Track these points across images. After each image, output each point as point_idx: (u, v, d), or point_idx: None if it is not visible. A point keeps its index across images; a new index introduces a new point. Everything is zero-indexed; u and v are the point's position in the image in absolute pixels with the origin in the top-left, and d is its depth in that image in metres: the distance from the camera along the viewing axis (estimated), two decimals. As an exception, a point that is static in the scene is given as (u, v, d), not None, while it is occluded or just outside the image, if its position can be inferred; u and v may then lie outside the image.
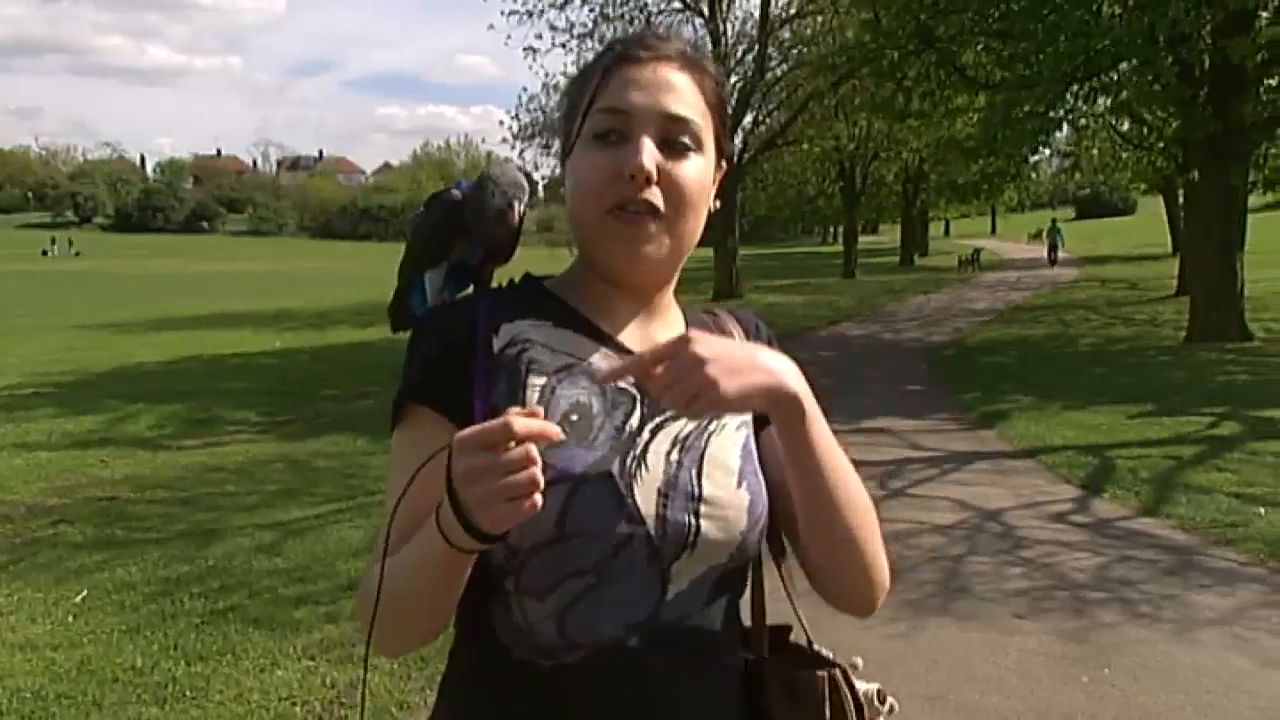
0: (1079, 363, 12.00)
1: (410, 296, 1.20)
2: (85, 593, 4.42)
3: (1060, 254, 32.98)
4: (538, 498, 0.79)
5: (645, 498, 0.94)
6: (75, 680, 3.55)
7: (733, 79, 23.86)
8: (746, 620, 1.10)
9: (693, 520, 0.95)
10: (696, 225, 1.01)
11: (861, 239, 37.40)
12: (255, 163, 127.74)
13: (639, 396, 0.99)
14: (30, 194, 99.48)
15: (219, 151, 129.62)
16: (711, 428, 1.01)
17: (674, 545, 0.94)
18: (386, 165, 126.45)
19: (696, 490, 0.96)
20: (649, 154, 0.95)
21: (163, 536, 5.27)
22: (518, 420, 0.78)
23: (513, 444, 0.77)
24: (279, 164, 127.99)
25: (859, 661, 1.11)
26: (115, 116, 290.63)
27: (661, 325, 1.06)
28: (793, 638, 1.13)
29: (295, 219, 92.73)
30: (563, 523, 0.91)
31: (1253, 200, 15.24)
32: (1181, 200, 20.05)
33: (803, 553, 1.04)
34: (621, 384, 0.98)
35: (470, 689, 1.01)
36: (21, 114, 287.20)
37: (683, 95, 0.99)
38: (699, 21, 23.64)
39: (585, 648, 0.94)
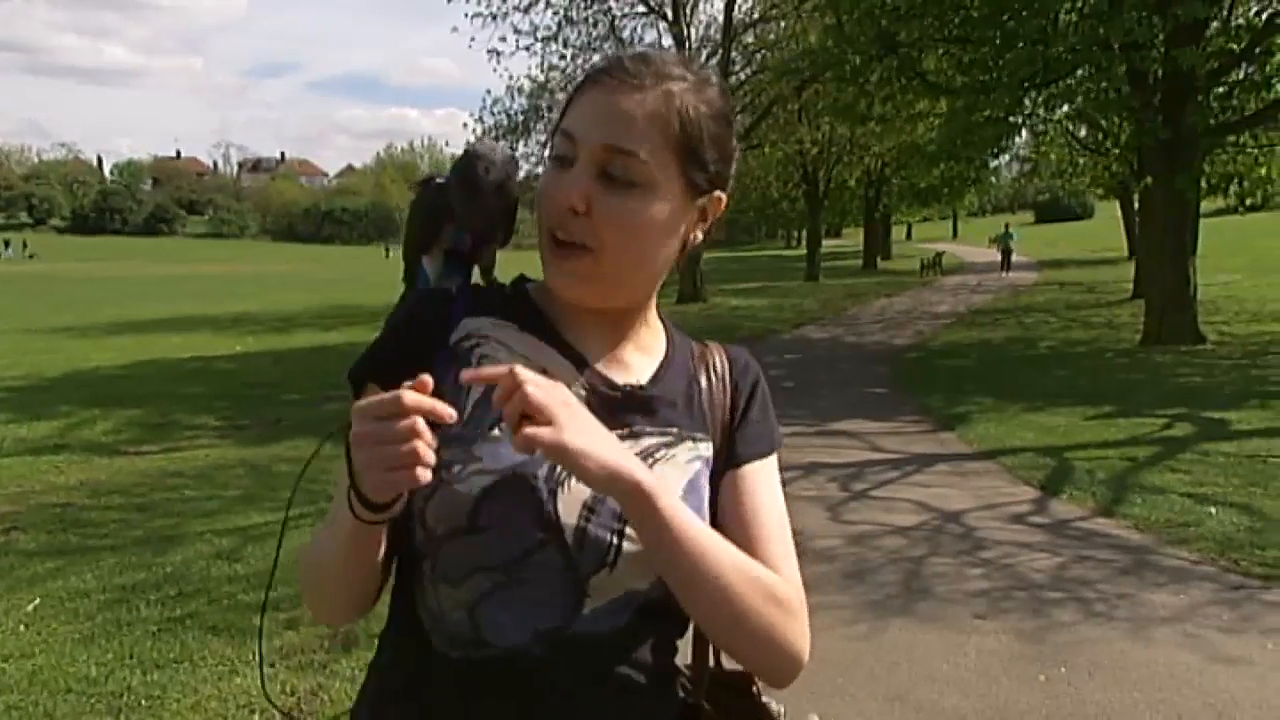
0: (1038, 365, 12.17)
1: (416, 283, 1.21)
2: (37, 601, 4.32)
3: (1014, 259, 32.13)
4: (421, 472, 0.80)
5: (568, 508, 0.93)
6: (26, 691, 3.47)
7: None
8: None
9: (615, 540, 0.93)
10: (641, 262, 0.98)
11: (825, 243, 37.65)
12: (216, 164, 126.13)
13: (589, 405, 0.96)
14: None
15: (178, 153, 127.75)
16: (659, 456, 0.98)
17: (591, 560, 0.93)
18: (350, 168, 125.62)
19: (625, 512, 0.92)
20: (576, 186, 0.93)
21: (119, 543, 5.17)
22: (408, 394, 0.79)
23: (403, 416, 0.79)
24: (240, 166, 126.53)
25: (815, 719, 1.12)
26: (71, 117, 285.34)
27: (633, 346, 1.04)
28: (756, 690, 1.11)
29: (257, 221, 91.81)
30: (475, 515, 0.92)
31: (1205, 205, 15.56)
32: (1137, 205, 20.39)
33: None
34: (578, 390, 0.97)
35: (393, 672, 1.02)
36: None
37: (633, 127, 0.93)
38: (663, 25, 23.71)
39: (493, 648, 0.94)
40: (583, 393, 0.98)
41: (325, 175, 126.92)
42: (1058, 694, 3.38)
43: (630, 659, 0.97)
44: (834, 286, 28.52)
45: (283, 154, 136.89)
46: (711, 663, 1.09)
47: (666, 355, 1.06)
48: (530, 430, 0.81)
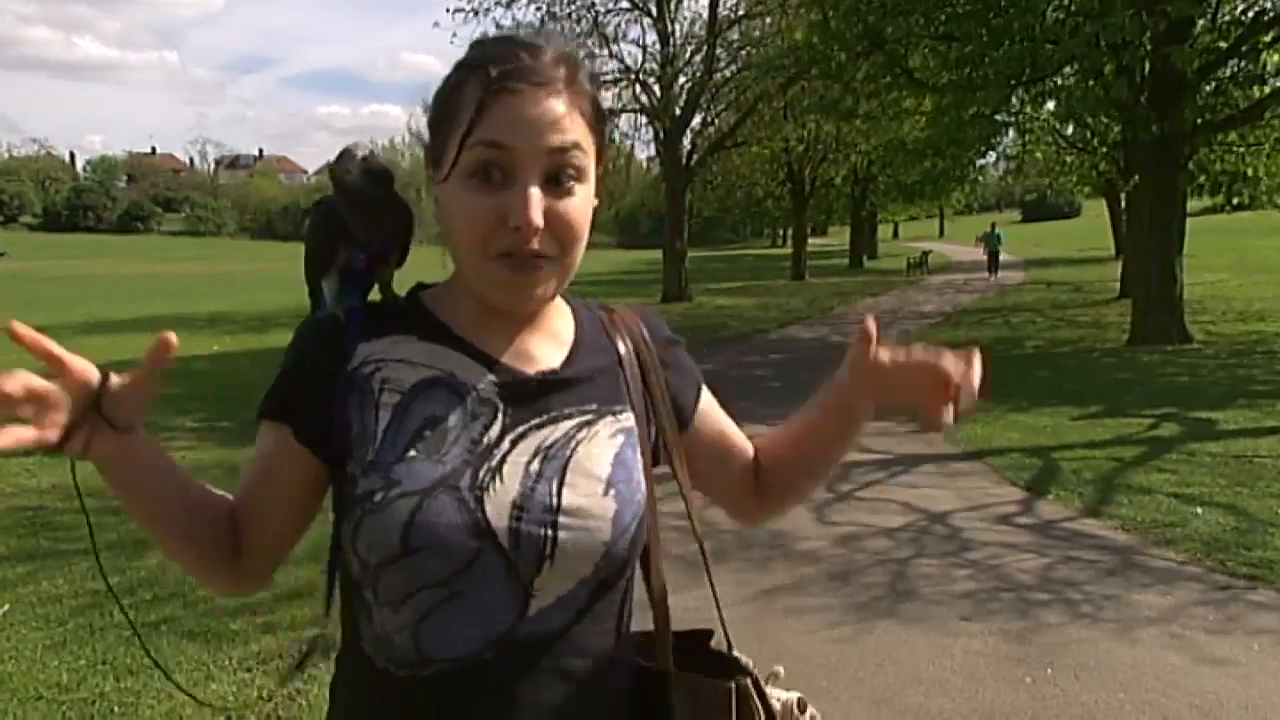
0: (1025, 365, 12.18)
1: (318, 306, 1.17)
2: (7, 607, 4.24)
3: (1001, 259, 29.84)
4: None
5: (497, 511, 0.93)
6: (-5, 698, 3.40)
7: (681, 80, 23.92)
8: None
9: (549, 532, 0.93)
10: (582, 250, 0.99)
11: (810, 241, 37.71)
12: (192, 161, 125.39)
13: (501, 406, 0.97)
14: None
15: (154, 149, 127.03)
16: (580, 435, 0.99)
17: (530, 559, 0.93)
18: (329, 164, 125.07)
19: (555, 501, 0.94)
20: (536, 206, 0.92)
21: (91, 548, 5.09)
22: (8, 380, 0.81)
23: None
24: (217, 163, 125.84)
25: (780, 670, 1.12)
26: (43, 112, 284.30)
27: (540, 334, 1.04)
28: (714, 643, 1.12)
29: (235, 219, 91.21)
30: (407, 537, 0.91)
31: (1192, 204, 15.62)
32: (1124, 204, 20.47)
33: (769, 481, 1.15)
34: (483, 393, 0.97)
35: (348, 695, 1.03)
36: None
37: (565, 126, 0.93)
38: (647, 21, 23.66)
39: (441, 662, 0.93)
40: (494, 390, 0.98)
41: (305, 173, 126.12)
42: (1044, 695, 3.35)
43: (585, 648, 0.98)
44: (820, 285, 28.53)
45: (261, 151, 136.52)
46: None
47: (576, 336, 1.06)
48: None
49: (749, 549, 4.94)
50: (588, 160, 0.96)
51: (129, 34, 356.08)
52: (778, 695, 1.09)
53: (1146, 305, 13.12)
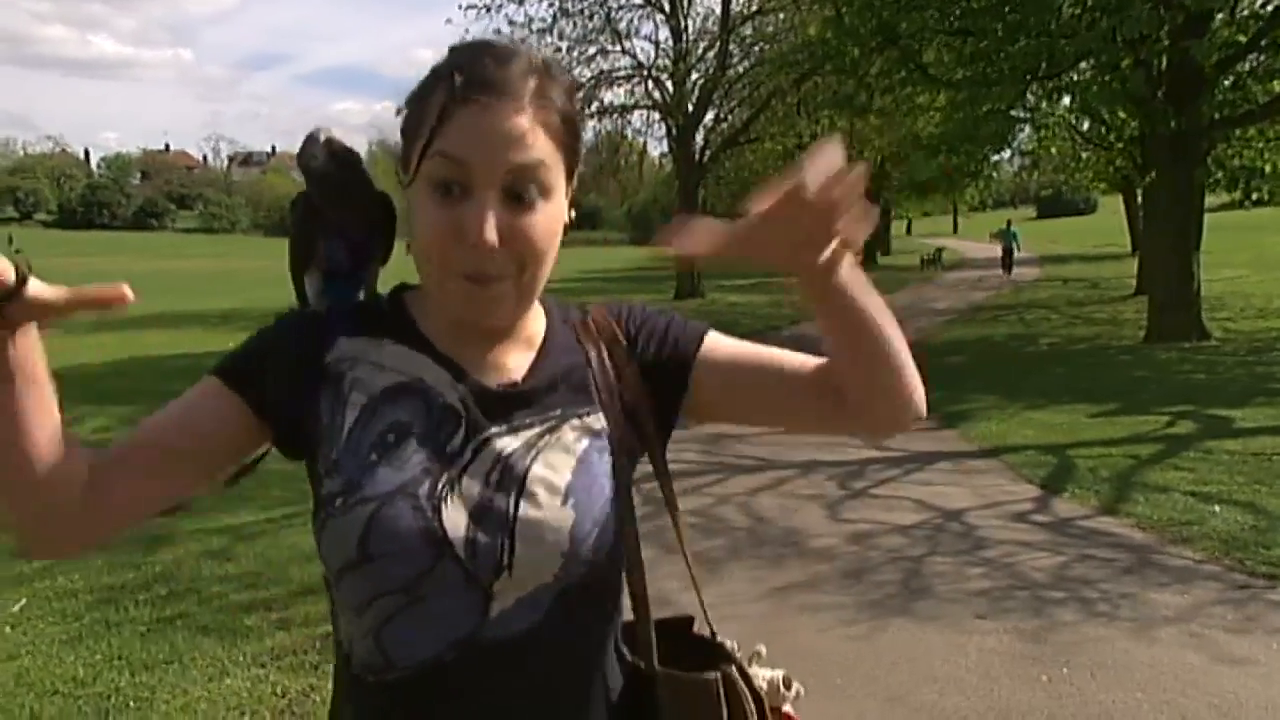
0: (1040, 362, 12.12)
1: (303, 303, 1.16)
2: (24, 602, 4.28)
3: (1017, 256, 28.88)
4: None
5: (453, 520, 0.92)
6: (12, 693, 3.43)
7: (694, 76, 23.89)
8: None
9: (506, 542, 0.93)
10: (548, 266, 0.97)
11: (825, 238, 37.36)
12: (206, 158, 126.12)
13: (465, 416, 0.97)
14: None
15: (168, 146, 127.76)
16: (541, 444, 0.97)
17: (487, 569, 0.92)
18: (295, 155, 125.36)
19: (512, 512, 0.93)
20: (491, 225, 0.89)
21: (107, 542, 5.11)
22: None
23: None
24: (230, 159, 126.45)
25: (762, 649, 1.11)
26: (58, 109, 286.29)
27: (510, 342, 1.02)
28: (697, 628, 1.11)
29: (248, 216, 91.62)
30: (365, 544, 0.91)
31: (1209, 200, 15.50)
32: (1140, 200, 20.33)
33: (840, 386, 1.00)
34: (450, 402, 0.97)
35: (337, 696, 1.05)
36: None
37: (528, 141, 0.91)
38: (660, 17, 23.65)
39: (405, 668, 0.94)
40: (460, 400, 0.97)
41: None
42: (1060, 694, 3.33)
43: (556, 652, 0.96)
44: (834, 282, 28.35)
45: (274, 147, 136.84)
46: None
47: (544, 342, 1.04)
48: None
49: (762, 546, 4.93)
50: (552, 176, 0.93)
51: (144, 31, 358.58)
52: (763, 675, 1.09)
53: (1164, 302, 13.02)
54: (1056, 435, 7.49)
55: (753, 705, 1.03)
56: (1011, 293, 23.26)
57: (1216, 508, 5.40)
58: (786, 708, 1.10)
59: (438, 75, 0.93)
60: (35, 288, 0.79)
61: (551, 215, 0.94)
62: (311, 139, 1.05)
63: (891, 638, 3.82)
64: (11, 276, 0.78)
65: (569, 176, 0.97)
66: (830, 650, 3.71)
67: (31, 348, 0.84)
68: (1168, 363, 11.29)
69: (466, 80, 0.90)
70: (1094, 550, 4.82)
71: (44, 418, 0.87)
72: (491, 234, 0.89)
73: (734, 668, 1.05)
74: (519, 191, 0.91)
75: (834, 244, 0.85)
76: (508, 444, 0.97)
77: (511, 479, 0.95)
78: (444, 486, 0.93)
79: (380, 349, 0.99)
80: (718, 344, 1.07)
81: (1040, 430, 7.69)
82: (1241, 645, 3.69)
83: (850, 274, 0.90)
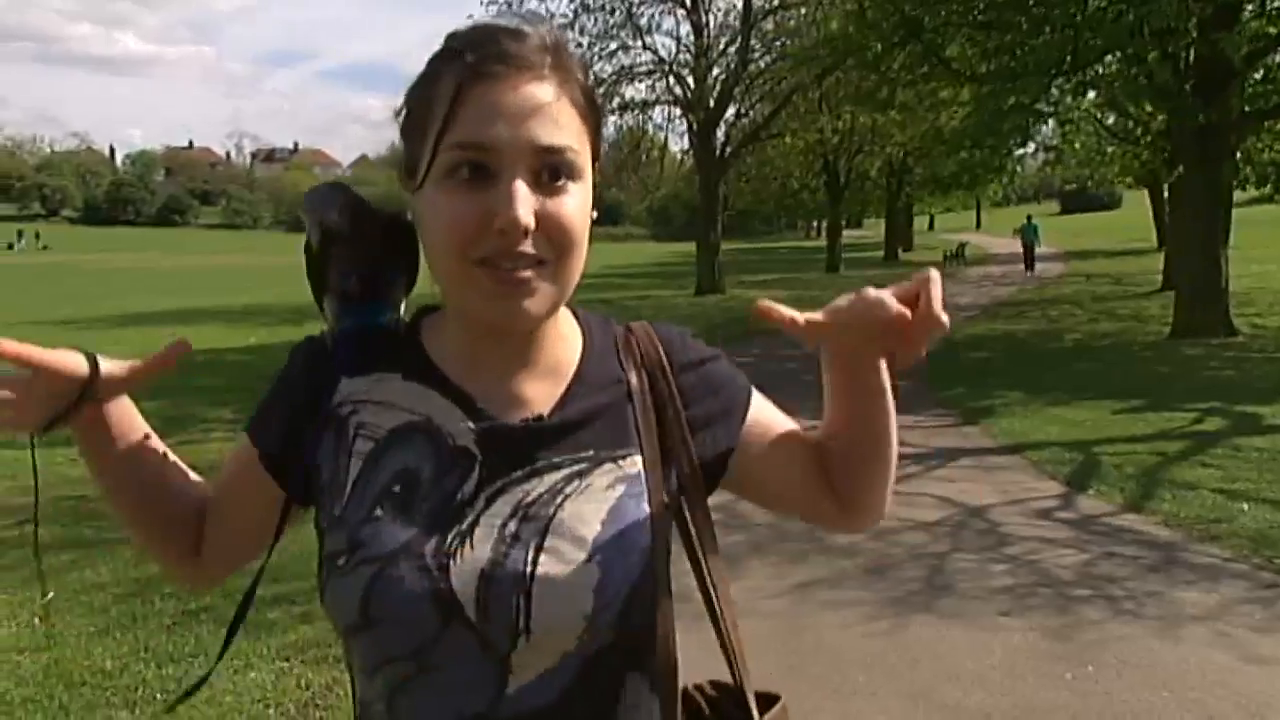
0: (1064, 358, 12.01)
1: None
2: (53, 594, 4.33)
3: (1038, 251, 28.78)
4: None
5: (463, 579, 0.83)
6: (41, 684, 3.47)
7: (715, 71, 23.82)
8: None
9: (521, 603, 0.83)
10: (582, 257, 0.87)
11: (845, 233, 37.43)
12: (229, 154, 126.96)
13: (480, 458, 0.87)
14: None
15: (191, 143, 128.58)
16: (569, 489, 0.87)
17: (502, 633, 0.83)
18: (364, 157, 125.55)
19: (529, 569, 0.83)
20: (524, 204, 0.80)
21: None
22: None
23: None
24: (253, 156, 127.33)
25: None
26: (84, 106, 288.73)
27: (538, 368, 0.92)
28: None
29: (270, 212, 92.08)
30: (366, 608, 0.83)
31: (1238, 195, 15.30)
32: (1167, 195, 20.09)
33: (843, 484, 1.00)
34: (462, 443, 0.88)
35: None
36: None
37: (554, 116, 0.82)
38: (681, 13, 23.58)
39: None
40: (474, 440, 0.88)
41: (339, 165, 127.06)
42: (1085, 693, 3.30)
43: None
44: (855, 278, 28.15)
45: (296, 144, 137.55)
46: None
47: (578, 369, 0.93)
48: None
49: (784, 542, 4.91)
50: (581, 155, 0.85)
51: (167, 29, 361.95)
52: None
53: (1191, 297, 12.87)
54: (1081, 432, 7.42)
55: None
56: (1035, 289, 23.06)
57: (1245, 505, 5.34)
58: None
59: (442, 59, 0.85)
60: (108, 368, 0.88)
61: (582, 199, 0.86)
62: (327, 200, 0.98)
63: (914, 634, 3.80)
64: (85, 367, 0.86)
65: (595, 156, 0.89)
66: (852, 647, 3.70)
67: (124, 411, 0.94)
68: (1194, 359, 11.16)
69: (479, 55, 0.82)
70: (1119, 548, 4.78)
71: (157, 475, 0.98)
72: (527, 214, 0.80)
73: None
74: (549, 171, 0.82)
75: (900, 354, 0.89)
76: (529, 490, 0.87)
77: (531, 530, 0.85)
78: (453, 541, 0.84)
79: (388, 385, 0.91)
80: (757, 419, 0.99)
81: (1064, 427, 7.62)
82: (1270, 644, 3.64)
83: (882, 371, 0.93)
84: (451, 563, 0.84)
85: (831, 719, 3.18)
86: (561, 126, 0.83)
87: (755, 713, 0.97)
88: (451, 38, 0.86)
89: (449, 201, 0.82)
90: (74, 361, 0.86)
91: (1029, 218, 29.83)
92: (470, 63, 0.82)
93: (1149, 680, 3.38)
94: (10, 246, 56.98)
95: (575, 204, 0.84)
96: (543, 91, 0.83)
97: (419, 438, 0.89)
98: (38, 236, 62.35)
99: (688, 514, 0.96)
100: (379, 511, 0.86)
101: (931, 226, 67.21)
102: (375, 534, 0.85)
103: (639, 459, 0.91)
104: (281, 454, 0.93)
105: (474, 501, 0.86)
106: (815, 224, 60.29)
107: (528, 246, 0.82)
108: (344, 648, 0.93)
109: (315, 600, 3.66)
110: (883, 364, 0.92)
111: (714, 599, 0.97)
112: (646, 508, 0.89)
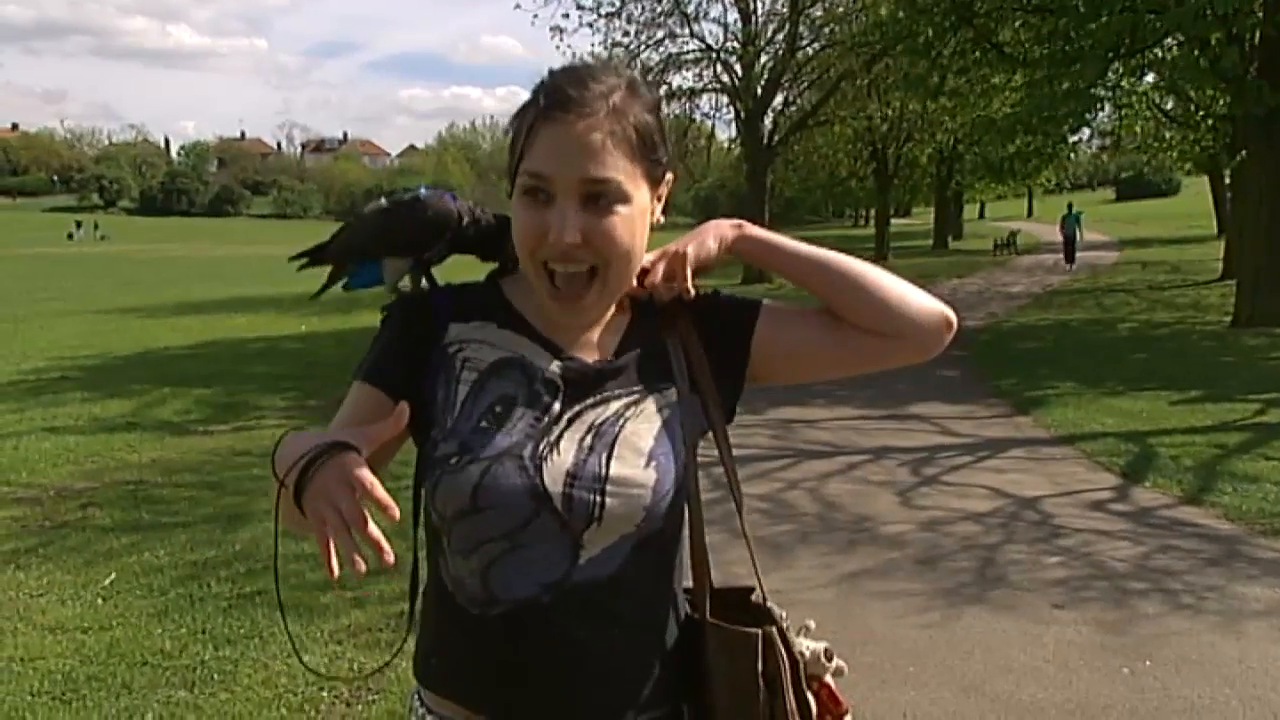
0: (1119, 348, 11.77)
1: (353, 275, 1.32)
2: (114, 576, 4.43)
3: (1087, 239, 26.79)
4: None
5: (553, 478, 1.07)
6: (105, 663, 3.56)
7: (763, 58, 23.62)
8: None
9: (598, 498, 1.07)
10: (633, 262, 1.11)
11: (894, 222, 36.92)
12: (279, 145, 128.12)
13: (562, 389, 1.12)
14: (56, 177, 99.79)
15: (243, 134, 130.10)
16: (628, 414, 1.12)
17: (581, 519, 1.07)
18: (411, 148, 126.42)
19: (604, 472, 1.08)
20: (571, 226, 1.04)
21: (190, 520, 5.28)
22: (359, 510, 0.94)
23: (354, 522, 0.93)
24: (303, 146, 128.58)
25: (811, 624, 1.20)
26: (140, 99, 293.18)
27: (601, 326, 1.17)
28: (754, 599, 1.20)
29: (320, 202, 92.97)
30: (476, 497, 1.06)
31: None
32: (1228, 181, 19.56)
33: (858, 317, 1.18)
34: (549, 376, 1.13)
35: (432, 624, 1.18)
36: (47, 97, 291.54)
37: (602, 155, 1.04)
38: (728, 1, 23.41)
39: (505, 603, 1.09)
40: (558, 374, 1.13)
41: (388, 155, 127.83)
42: (1143, 688, 3.24)
43: (631, 594, 1.11)
44: (903, 267, 27.93)
45: (345, 134, 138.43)
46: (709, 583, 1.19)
47: (630, 326, 1.19)
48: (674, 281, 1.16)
49: (832, 532, 4.88)
50: (629, 185, 1.06)
51: (219, 22, 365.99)
52: (806, 645, 1.17)
53: (1254, 286, 12.51)
54: (1137, 423, 7.27)
55: (788, 664, 1.12)
56: (1089, 277, 22.61)
57: (1309, 499, 5.20)
58: (827, 678, 1.18)
59: (531, 99, 1.08)
60: (362, 447, 0.99)
61: (630, 217, 1.07)
62: (451, 217, 1.22)
63: (966, 626, 3.76)
64: (366, 449, 0.98)
65: (652, 182, 1.11)
66: (903, 638, 3.66)
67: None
68: (1256, 349, 10.87)
69: (549, 102, 1.05)
70: (1177, 541, 4.68)
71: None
72: (572, 234, 1.04)
73: (776, 629, 1.14)
74: (596, 197, 1.05)
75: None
76: (599, 413, 1.12)
77: (603, 443, 1.10)
78: (544, 449, 1.08)
79: (487, 330, 1.16)
80: (772, 309, 1.22)
81: (1119, 418, 7.47)
82: (1336, 642, 3.54)
83: (755, 241, 1.20)
84: (544, 465, 1.08)
85: (881, 709, 3.15)
86: (607, 161, 1.05)
87: (760, 585, 1.19)
88: (539, 84, 1.09)
89: (523, 213, 1.07)
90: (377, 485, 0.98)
91: (1070, 206, 27.40)
92: (542, 106, 1.06)
93: (1209, 677, 3.31)
94: (69, 236, 58.38)
95: (623, 221, 1.07)
96: (593, 135, 1.04)
97: (514, 371, 1.13)
98: (96, 227, 63.76)
99: (717, 432, 1.18)
100: (484, 424, 1.10)
101: (982, 215, 66.11)
102: (483, 440, 1.08)
103: (675, 391, 1.16)
104: (404, 390, 1.11)
105: (559, 421, 1.11)
106: (863, 212, 59.59)
107: (578, 257, 1.06)
108: (440, 541, 1.13)
109: (367, 586, 3.68)
110: (746, 230, 1.21)
111: (732, 486, 1.21)
112: (682, 430, 1.14)
